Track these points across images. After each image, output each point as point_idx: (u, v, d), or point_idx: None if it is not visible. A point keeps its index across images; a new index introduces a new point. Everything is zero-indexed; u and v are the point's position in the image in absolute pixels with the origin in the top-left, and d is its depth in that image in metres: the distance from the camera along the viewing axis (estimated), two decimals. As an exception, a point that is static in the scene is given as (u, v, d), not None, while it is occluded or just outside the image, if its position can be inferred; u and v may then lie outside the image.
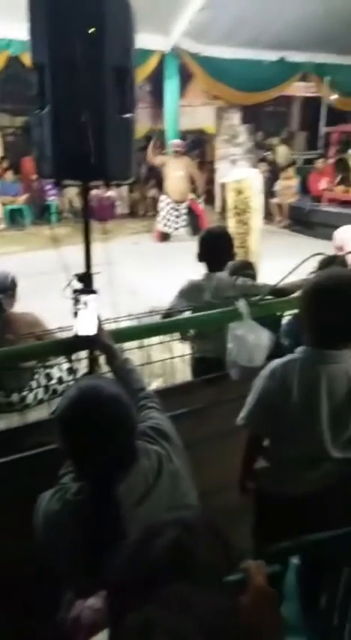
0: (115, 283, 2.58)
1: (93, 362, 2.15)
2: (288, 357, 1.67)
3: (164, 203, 8.99)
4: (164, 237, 9.08)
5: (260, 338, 2.01)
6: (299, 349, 1.67)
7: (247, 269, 2.93)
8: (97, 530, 1.08)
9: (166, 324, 2.02)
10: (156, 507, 1.14)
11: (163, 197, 9.03)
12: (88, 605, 0.93)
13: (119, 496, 1.15)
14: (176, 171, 8.73)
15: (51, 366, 3.28)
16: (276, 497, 1.73)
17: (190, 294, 2.57)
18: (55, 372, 3.33)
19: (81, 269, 2.14)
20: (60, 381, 3.40)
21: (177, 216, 8.95)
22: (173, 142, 8.91)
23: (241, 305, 2.06)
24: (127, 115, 2.03)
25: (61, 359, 3.41)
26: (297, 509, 1.66)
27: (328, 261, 2.60)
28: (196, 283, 2.61)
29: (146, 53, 8.19)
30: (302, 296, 1.63)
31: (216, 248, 2.63)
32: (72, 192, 10.02)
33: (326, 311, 1.56)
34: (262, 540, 1.62)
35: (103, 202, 9.83)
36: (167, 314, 2.38)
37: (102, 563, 0.91)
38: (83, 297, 1.65)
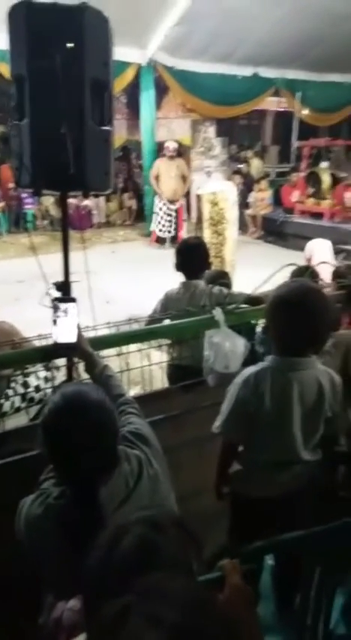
0: (93, 292, 2.61)
1: (71, 369, 2.16)
2: (259, 365, 1.72)
3: (158, 207, 9.11)
4: (160, 241, 9.13)
5: (236, 345, 2.06)
6: (268, 358, 1.72)
7: (222, 278, 3.00)
8: (80, 533, 1.09)
9: (144, 332, 2.05)
10: (137, 510, 1.16)
11: (157, 201, 9.11)
12: (69, 607, 0.95)
13: (101, 500, 1.17)
14: (169, 172, 8.99)
15: (28, 374, 3.27)
16: (249, 499, 1.77)
17: (169, 302, 2.62)
18: (33, 381, 3.31)
19: (58, 278, 2.16)
20: (37, 389, 3.38)
21: (169, 221, 9.06)
22: (166, 146, 9.13)
23: (217, 313, 2.11)
24: (106, 127, 2.07)
25: (39, 367, 3.40)
26: (270, 510, 1.71)
27: (300, 272, 2.69)
28: (174, 292, 2.67)
29: (123, 65, 8.29)
30: (268, 308, 1.68)
31: (192, 258, 2.70)
32: (48, 201, 9.99)
33: (291, 321, 1.61)
34: (238, 541, 1.65)
35: (80, 211, 9.83)
36: (149, 322, 2.42)
37: (82, 567, 0.92)
38: (63, 305, 1.67)
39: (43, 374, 3.47)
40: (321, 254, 4.46)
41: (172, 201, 9.07)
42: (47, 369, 3.40)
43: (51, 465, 1.39)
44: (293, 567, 1.72)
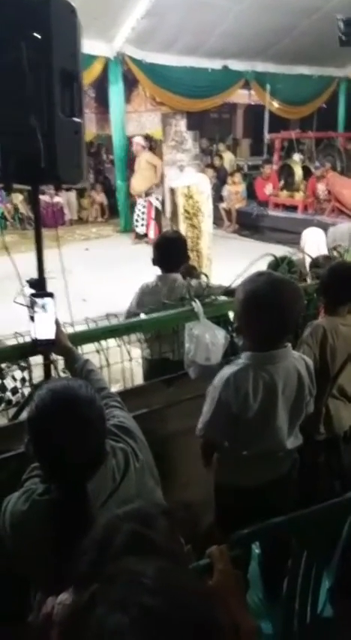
0: (69, 291, 2.56)
1: (49, 367, 2.12)
2: (237, 365, 1.69)
3: (136, 203, 9.01)
4: (139, 237, 9.05)
5: (216, 337, 2.06)
6: (244, 355, 1.70)
7: (191, 273, 2.96)
8: (67, 528, 1.07)
9: (123, 326, 2.03)
10: (124, 504, 1.15)
11: (137, 199, 9.02)
12: (59, 602, 0.93)
13: (88, 495, 1.15)
14: (139, 165, 8.92)
15: (4, 376, 3.21)
16: (235, 490, 1.78)
17: (145, 296, 2.60)
18: (9, 383, 3.26)
19: (30, 277, 2.11)
20: (14, 391, 3.33)
21: (142, 217, 8.99)
22: (134, 140, 9.05)
23: (197, 305, 2.10)
24: (76, 119, 2.04)
25: (15, 368, 3.34)
26: (255, 499, 1.72)
27: (277, 263, 2.70)
28: (151, 286, 2.65)
29: (90, 59, 8.18)
30: (239, 307, 1.65)
31: (170, 251, 2.68)
32: (17, 198, 9.82)
33: (265, 316, 1.60)
34: (224, 529, 1.65)
35: (52, 209, 9.69)
36: (127, 317, 2.39)
37: (71, 561, 0.91)
38: (40, 301, 1.63)
39: (19, 375, 3.42)
40: (314, 243, 4.50)
41: (140, 196, 9.00)
42: (23, 369, 3.35)
43: (34, 464, 1.36)
44: (279, 554, 1.74)
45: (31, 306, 1.64)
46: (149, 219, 8.91)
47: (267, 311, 1.58)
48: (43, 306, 1.64)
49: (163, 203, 8.96)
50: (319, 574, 1.56)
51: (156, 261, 2.69)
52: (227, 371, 1.68)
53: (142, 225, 9.03)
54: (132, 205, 9.43)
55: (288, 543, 1.67)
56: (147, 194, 8.84)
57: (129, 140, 9.54)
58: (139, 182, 8.90)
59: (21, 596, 1.31)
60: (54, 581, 0.92)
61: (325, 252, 3.63)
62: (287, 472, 1.81)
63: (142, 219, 9.01)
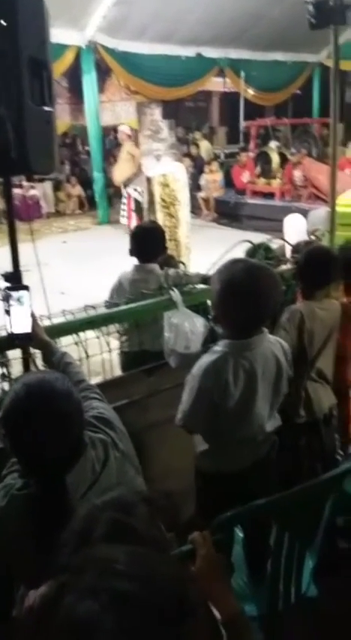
0: (46, 285, 2.53)
1: (28, 361, 2.10)
2: (215, 353, 1.68)
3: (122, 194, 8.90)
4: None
5: (196, 325, 2.06)
6: (222, 343, 1.69)
7: (169, 263, 2.94)
8: (46, 522, 1.06)
9: (100, 317, 2.01)
10: (105, 494, 1.14)
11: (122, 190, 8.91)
12: (40, 594, 0.92)
13: (67, 487, 1.14)
14: (121, 155, 8.75)
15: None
16: (215, 475, 1.79)
17: (123, 286, 2.58)
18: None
19: (4, 271, 2.07)
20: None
21: (124, 205, 8.89)
22: (120, 129, 8.90)
23: (175, 294, 2.09)
24: (47, 108, 2.00)
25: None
26: (236, 483, 1.73)
27: (254, 249, 2.71)
28: (128, 276, 2.63)
29: (61, 48, 8.03)
30: (216, 296, 1.64)
31: (147, 242, 2.65)
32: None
33: (242, 304, 1.60)
34: (206, 515, 1.66)
35: (27, 202, 9.54)
36: (106, 307, 2.36)
37: (52, 554, 0.90)
38: (15, 294, 1.60)
39: (-1, 370, 3.37)
40: (294, 229, 4.54)
41: (123, 186, 8.89)
42: (1, 365, 3.30)
43: (13, 459, 1.34)
44: (262, 537, 1.76)
45: (6, 299, 1.61)
46: (129, 210, 8.82)
47: (244, 299, 1.58)
48: (18, 299, 1.61)
49: (143, 194, 8.85)
50: (302, 554, 1.58)
51: (133, 252, 2.67)
52: (206, 360, 1.67)
53: (123, 217, 8.94)
54: (118, 196, 9.28)
55: (270, 525, 1.70)
56: (126, 185, 8.74)
57: (104, 130, 9.42)
58: (118, 172, 8.80)
59: (5, 592, 1.30)
60: (35, 574, 0.91)
61: (305, 238, 3.65)
62: (266, 454, 1.83)
63: (124, 210, 8.93)
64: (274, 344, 1.74)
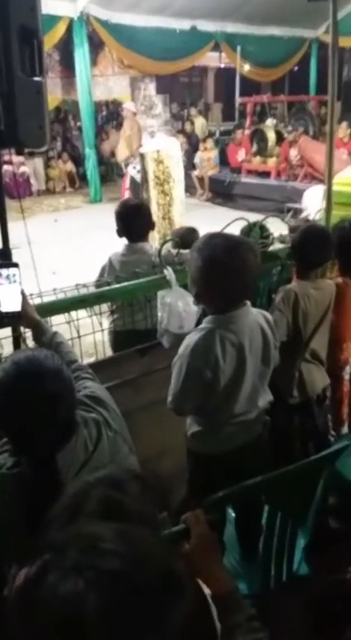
0: (37, 264, 2.47)
1: (18, 341, 2.06)
2: (201, 330, 1.66)
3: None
4: None
5: (189, 304, 2.03)
6: (206, 320, 1.68)
7: (192, 236, 2.82)
8: (37, 501, 1.05)
9: (92, 296, 1.98)
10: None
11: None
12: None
13: (60, 466, 1.13)
14: (123, 133, 8.66)
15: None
16: (207, 456, 1.78)
17: (114, 266, 2.53)
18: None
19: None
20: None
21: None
22: (124, 106, 8.77)
23: (169, 273, 2.06)
24: (38, 78, 1.93)
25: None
26: (228, 464, 1.73)
27: (249, 228, 2.67)
28: (119, 256, 2.57)
29: (53, 19, 7.80)
30: (199, 271, 1.61)
31: (134, 220, 2.58)
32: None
33: (226, 277, 1.58)
34: (198, 497, 1.66)
35: (18, 179, 9.37)
36: (98, 285, 2.31)
37: (43, 532, 0.89)
38: (4, 271, 1.56)
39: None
40: (314, 203, 4.48)
41: (124, 165, 8.75)
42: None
43: (3, 439, 1.33)
44: (254, 516, 1.77)
45: (-5, 276, 1.57)
46: (124, 189, 8.70)
47: (227, 273, 1.57)
48: (7, 277, 1.57)
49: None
50: (294, 533, 1.59)
51: (122, 232, 2.60)
52: (193, 338, 1.66)
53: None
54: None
55: (262, 505, 1.71)
56: (126, 164, 8.59)
57: (96, 105, 9.22)
58: (120, 150, 8.65)
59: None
60: (26, 553, 0.90)
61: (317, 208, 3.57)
62: (258, 435, 1.83)
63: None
64: (257, 315, 1.73)
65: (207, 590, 0.95)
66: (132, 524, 0.82)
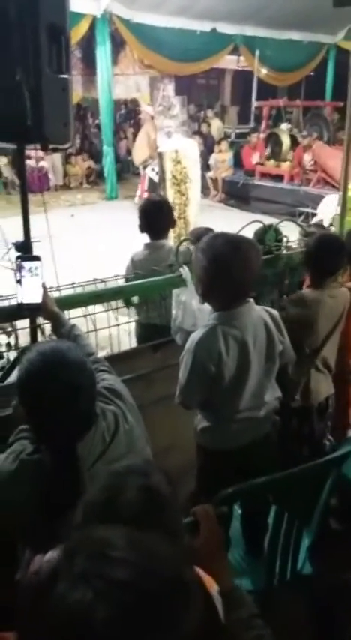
0: (54, 255, 2.52)
1: (35, 332, 2.11)
2: (206, 327, 1.71)
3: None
4: None
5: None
6: (212, 316, 1.72)
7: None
8: (57, 488, 1.09)
9: (110, 291, 2.01)
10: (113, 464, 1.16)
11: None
12: (46, 559, 0.95)
13: (78, 456, 1.16)
14: (141, 135, 8.75)
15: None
16: (216, 452, 1.82)
17: (136, 265, 2.56)
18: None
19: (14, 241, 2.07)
20: (-1, 356, 3.30)
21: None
22: (142, 109, 8.88)
23: (185, 271, 2.09)
24: (64, 76, 1.97)
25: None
26: (235, 460, 1.76)
27: (264, 230, 2.69)
28: (140, 254, 2.61)
29: (76, 17, 7.86)
30: (205, 271, 1.65)
31: (157, 217, 2.63)
32: (1, 162, 9.55)
33: (230, 276, 1.62)
34: (206, 491, 1.69)
35: (36, 173, 9.46)
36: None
37: (62, 519, 0.92)
38: (27, 264, 1.61)
39: (4, 340, 3.39)
40: (329, 210, 4.49)
41: (142, 168, 8.81)
42: (8, 335, 3.32)
43: (21, 426, 1.36)
44: (260, 514, 1.80)
45: (19, 269, 1.61)
46: (142, 190, 8.75)
47: (232, 271, 1.61)
48: (29, 270, 1.62)
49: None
50: (299, 533, 1.61)
51: (143, 228, 2.64)
52: (197, 334, 1.71)
53: (139, 195, 8.86)
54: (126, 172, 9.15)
55: (268, 503, 1.73)
56: (144, 166, 8.63)
57: (115, 104, 9.28)
58: (137, 152, 8.71)
59: (8, 553, 1.33)
60: (42, 539, 0.94)
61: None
62: (267, 434, 1.86)
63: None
64: (261, 311, 1.76)
65: (215, 588, 0.96)
66: (170, 512, 0.84)
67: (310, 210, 7.88)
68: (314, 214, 5.78)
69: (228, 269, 1.61)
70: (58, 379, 1.14)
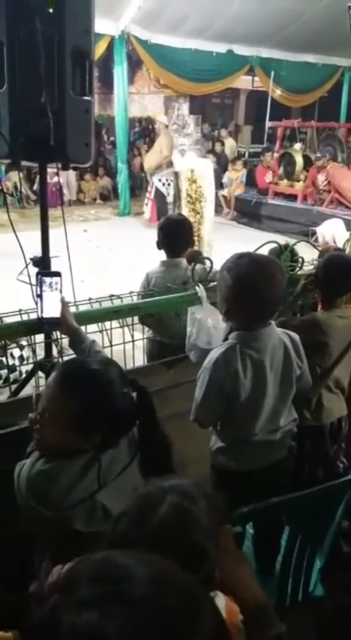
0: (67, 271, 2.55)
1: (50, 346, 2.14)
2: (225, 345, 1.72)
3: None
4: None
5: (218, 321, 2.07)
6: (232, 335, 1.73)
7: (198, 259, 2.95)
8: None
9: (126, 308, 2.04)
10: (137, 476, 1.18)
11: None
12: (65, 570, 0.95)
13: (103, 465, 1.19)
14: (154, 146, 8.92)
15: (2, 354, 3.22)
16: (230, 472, 1.81)
17: (151, 282, 2.58)
18: (9, 360, 3.27)
19: (28, 256, 2.11)
20: (12, 369, 3.34)
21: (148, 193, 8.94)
22: (158, 119, 9.08)
23: (200, 290, 2.12)
24: (87, 98, 2.03)
25: (13, 346, 3.35)
26: (249, 483, 1.76)
27: (280, 251, 2.71)
28: (156, 273, 2.63)
29: (95, 37, 8.03)
30: (229, 290, 1.66)
31: (176, 235, 2.66)
32: (16, 176, 9.70)
33: (255, 296, 1.63)
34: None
35: (51, 188, 9.58)
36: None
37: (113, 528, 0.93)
38: (48, 279, 1.64)
39: (17, 353, 3.43)
40: (327, 233, 4.52)
41: (150, 175, 8.92)
42: (21, 348, 3.37)
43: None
44: (272, 534, 1.79)
45: (39, 284, 1.65)
46: (149, 198, 8.86)
47: (257, 291, 1.63)
48: (50, 285, 1.65)
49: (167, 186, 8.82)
50: (312, 555, 1.61)
51: (161, 245, 2.67)
52: (215, 352, 1.72)
53: (146, 204, 8.96)
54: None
55: (281, 523, 1.73)
56: (152, 174, 8.74)
57: (130, 122, 9.44)
58: (150, 159, 8.82)
59: (23, 566, 1.34)
60: (66, 547, 0.95)
61: (339, 242, 3.62)
62: (283, 458, 1.85)
63: (147, 198, 8.95)
64: (282, 334, 1.77)
65: (238, 617, 0.95)
66: (198, 537, 0.85)
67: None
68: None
69: (253, 288, 1.62)
70: (107, 375, 1.23)
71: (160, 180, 8.62)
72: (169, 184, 8.27)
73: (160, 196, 8.56)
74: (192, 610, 0.63)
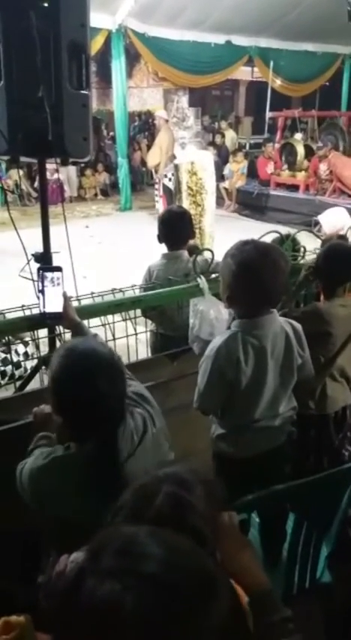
0: (69, 267, 2.56)
1: (54, 341, 2.15)
2: (226, 333, 1.73)
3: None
4: None
5: (220, 312, 2.08)
6: (234, 323, 1.74)
7: (195, 252, 2.93)
8: (98, 482, 1.12)
9: (128, 301, 2.05)
10: (140, 466, 1.19)
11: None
12: (72, 560, 0.96)
13: (118, 444, 1.20)
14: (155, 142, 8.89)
15: (7, 351, 3.24)
16: (231, 459, 1.83)
17: (153, 275, 2.58)
18: (13, 357, 3.29)
19: (33, 252, 2.12)
20: (17, 365, 3.37)
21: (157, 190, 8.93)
22: (157, 114, 8.98)
23: (202, 281, 2.12)
24: (84, 92, 2.03)
25: (18, 342, 3.37)
26: (250, 468, 1.77)
27: (282, 240, 2.70)
28: (157, 266, 2.64)
29: (92, 31, 7.96)
30: (233, 276, 1.66)
31: (177, 228, 2.65)
32: (16, 174, 9.70)
33: (258, 282, 1.63)
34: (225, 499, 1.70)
35: (51, 185, 9.58)
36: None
37: (101, 512, 0.94)
38: (49, 275, 1.65)
39: (22, 349, 3.46)
40: (332, 222, 4.48)
41: (154, 172, 8.90)
42: (26, 344, 3.39)
43: (40, 433, 1.39)
44: (278, 522, 1.80)
45: (41, 280, 1.66)
46: (159, 195, 8.84)
47: (260, 277, 1.63)
48: (51, 280, 1.66)
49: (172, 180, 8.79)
50: (318, 541, 1.61)
51: (162, 238, 2.67)
52: (218, 340, 1.72)
53: (157, 202, 8.94)
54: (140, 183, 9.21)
55: (286, 511, 1.73)
56: (157, 171, 8.71)
57: (129, 116, 9.40)
58: (152, 156, 8.79)
59: (31, 558, 1.36)
60: (71, 537, 0.96)
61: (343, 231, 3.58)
62: (282, 444, 1.86)
63: (157, 195, 8.93)
64: (284, 323, 1.77)
65: (245, 600, 0.95)
66: (195, 524, 0.85)
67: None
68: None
69: (256, 274, 1.62)
70: (97, 363, 1.20)
71: (165, 175, 8.59)
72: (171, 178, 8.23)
73: (168, 191, 8.52)
74: (208, 591, 0.65)
